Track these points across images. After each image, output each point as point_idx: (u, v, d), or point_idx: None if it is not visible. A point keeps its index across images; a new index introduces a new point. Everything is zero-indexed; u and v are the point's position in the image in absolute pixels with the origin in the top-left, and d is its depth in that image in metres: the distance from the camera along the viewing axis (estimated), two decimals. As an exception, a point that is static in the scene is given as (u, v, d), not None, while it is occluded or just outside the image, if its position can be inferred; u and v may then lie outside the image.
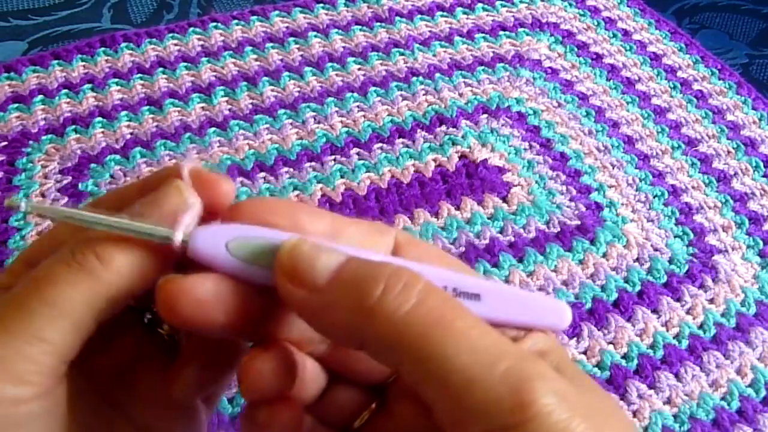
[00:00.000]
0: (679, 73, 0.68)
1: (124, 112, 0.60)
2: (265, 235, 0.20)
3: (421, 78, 0.65)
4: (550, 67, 0.67)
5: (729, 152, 0.61)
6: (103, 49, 0.65)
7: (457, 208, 0.54)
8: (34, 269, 0.21)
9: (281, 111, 0.61)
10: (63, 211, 0.21)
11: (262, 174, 0.56)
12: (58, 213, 0.21)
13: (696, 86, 0.66)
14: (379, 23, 0.71)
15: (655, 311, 0.49)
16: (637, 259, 0.52)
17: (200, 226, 0.20)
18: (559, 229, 0.53)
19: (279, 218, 0.20)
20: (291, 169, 0.56)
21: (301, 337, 0.22)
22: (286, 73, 0.64)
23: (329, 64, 0.66)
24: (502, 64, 0.67)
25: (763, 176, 0.59)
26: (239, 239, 0.19)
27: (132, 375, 0.24)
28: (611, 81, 0.66)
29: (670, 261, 0.52)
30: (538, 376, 0.17)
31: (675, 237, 0.54)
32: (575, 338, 0.47)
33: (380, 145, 0.59)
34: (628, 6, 0.75)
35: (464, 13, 0.73)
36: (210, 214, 0.22)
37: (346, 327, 0.19)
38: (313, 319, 0.20)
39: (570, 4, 0.75)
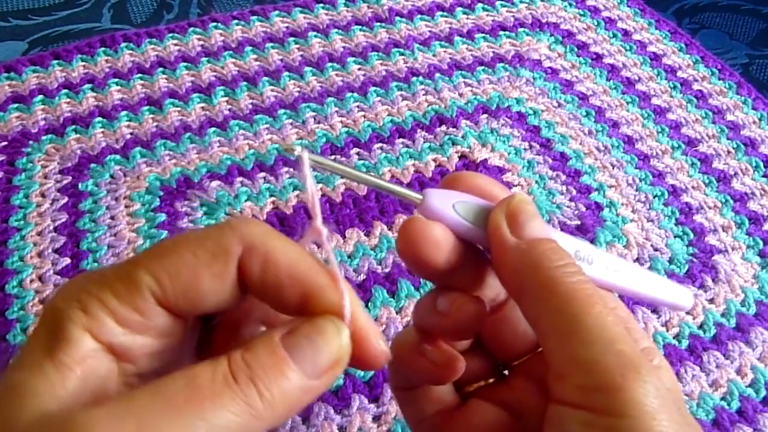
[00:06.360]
0: (679, 73, 0.68)
1: (124, 112, 0.60)
2: (477, 201, 0.25)
3: (421, 78, 0.65)
4: (550, 67, 0.67)
5: (729, 152, 0.61)
6: (103, 49, 0.65)
7: (457, 208, 0.54)
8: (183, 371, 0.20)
9: (281, 111, 0.61)
10: (334, 166, 0.24)
11: (262, 174, 0.56)
12: (331, 167, 0.24)
13: (696, 86, 0.66)
14: (379, 23, 0.71)
15: (654, 311, 0.49)
16: (637, 259, 0.52)
17: (432, 189, 0.25)
18: (559, 229, 0.53)
19: (492, 188, 0.26)
20: (291, 169, 0.56)
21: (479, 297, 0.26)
22: (286, 73, 0.64)
23: (329, 64, 0.66)
24: (502, 64, 0.67)
25: (763, 176, 0.59)
26: (461, 202, 0.24)
27: None
28: (611, 81, 0.66)
29: (670, 261, 0.52)
30: (647, 368, 0.21)
31: (675, 237, 0.54)
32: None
33: (380, 145, 0.59)
34: (628, 6, 0.75)
35: (464, 13, 0.73)
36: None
37: (520, 273, 0.23)
38: (501, 257, 0.24)
39: (570, 4, 0.75)
